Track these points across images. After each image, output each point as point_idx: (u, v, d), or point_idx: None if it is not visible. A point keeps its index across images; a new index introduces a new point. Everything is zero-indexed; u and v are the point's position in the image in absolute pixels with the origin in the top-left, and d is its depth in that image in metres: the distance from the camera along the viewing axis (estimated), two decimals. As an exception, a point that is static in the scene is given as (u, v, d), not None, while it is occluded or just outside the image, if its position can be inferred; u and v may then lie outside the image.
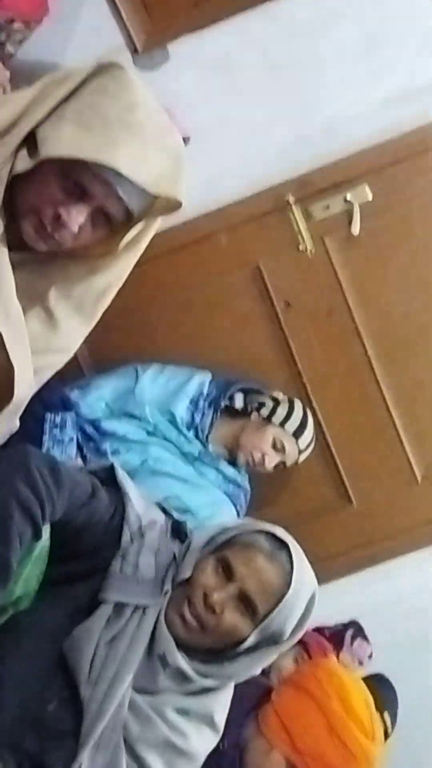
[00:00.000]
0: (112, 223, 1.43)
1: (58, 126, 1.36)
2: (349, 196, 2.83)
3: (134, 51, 2.63)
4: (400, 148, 2.81)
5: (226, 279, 2.91)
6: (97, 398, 2.64)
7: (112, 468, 1.63)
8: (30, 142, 1.38)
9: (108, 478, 1.61)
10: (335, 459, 2.97)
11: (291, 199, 2.83)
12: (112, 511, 1.54)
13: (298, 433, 2.69)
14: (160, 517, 1.63)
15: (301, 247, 2.87)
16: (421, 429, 2.95)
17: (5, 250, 1.40)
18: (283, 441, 2.67)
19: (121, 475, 1.60)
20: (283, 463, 2.70)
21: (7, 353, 1.43)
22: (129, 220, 1.44)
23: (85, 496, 1.48)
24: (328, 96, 2.77)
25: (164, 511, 1.68)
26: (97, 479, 1.57)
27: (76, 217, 1.38)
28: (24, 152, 1.38)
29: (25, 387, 1.50)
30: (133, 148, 1.36)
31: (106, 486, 1.58)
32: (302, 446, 2.69)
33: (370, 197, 2.83)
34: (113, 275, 1.58)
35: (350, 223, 2.84)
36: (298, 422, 2.69)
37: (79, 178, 1.37)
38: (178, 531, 1.64)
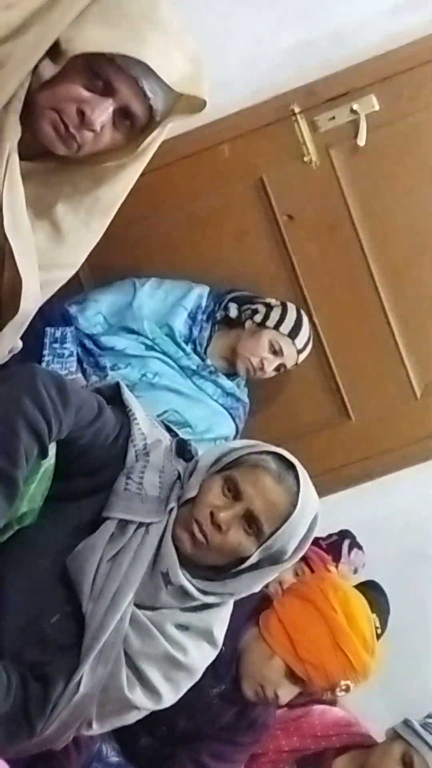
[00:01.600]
0: (133, 125, 1.40)
1: (82, 26, 1.32)
2: (355, 107, 2.76)
3: None
4: (408, 57, 2.74)
5: (228, 191, 2.87)
6: (95, 312, 2.63)
7: (117, 386, 1.62)
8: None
9: (113, 396, 1.61)
10: (334, 374, 2.97)
11: (296, 108, 2.77)
12: (117, 430, 1.54)
13: (293, 334, 2.69)
14: (165, 436, 1.64)
15: (305, 159, 2.82)
16: (421, 345, 2.95)
17: (17, 160, 1.37)
18: (280, 343, 2.67)
19: (127, 394, 1.60)
20: (283, 365, 2.70)
21: (15, 266, 1.41)
22: (149, 122, 1.41)
23: (91, 415, 1.48)
24: (337, 1, 2.68)
25: (169, 429, 1.69)
26: (102, 398, 1.56)
27: (100, 114, 1.35)
28: (45, 60, 1.33)
29: (31, 300, 1.49)
30: (159, 45, 1.34)
31: (112, 404, 1.58)
32: (299, 346, 2.70)
33: (376, 108, 2.77)
34: (119, 187, 1.56)
35: (356, 134, 2.78)
36: (292, 323, 2.69)
37: (105, 74, 1.34)
38: (183, 450, 1.65)
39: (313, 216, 2.87)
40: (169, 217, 2.87)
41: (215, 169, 2.84)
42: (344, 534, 2.83)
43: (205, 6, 2.56)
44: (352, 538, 2.83)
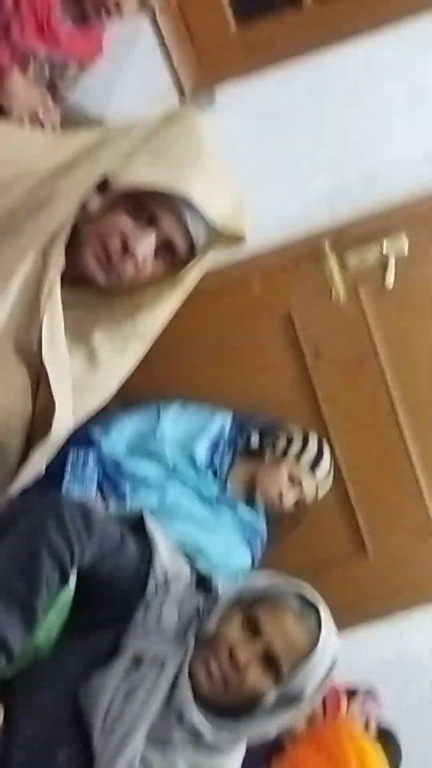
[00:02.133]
0: (174, 258, 1.44)
1: (131, 162, 1.40)
2: (385, 248, 2.83)
3: (181, 93, 2.64)
4: (438, 203, 2.82)
5: (256, 325, 2.91)
6: (118, 436, 2.64)
7: (141, 515, 1.62)
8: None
9: (137, 524, 1.60)
10: (353, 508, 2.95)
11: (327, 247, 2.83)
12: (138, 561, 1.53)
13: (314, 467, 2.67)
14: (186, 569, 1.62)
15: (333, 296, 2.87)
16: (443, 485, 2.93)
17: (59, 288, 1.41)
18: (300, 475, 2.66)
19: (151, 524, 1.59)
20: (303, 499, 2.68)
21: (50, 391, 1.43)
22: (189, 256, 1.45)
23: (114, 545, 1.47)
24: (371, 147, 2.78)
25: (190, 562, 1.67)
26: (126, 526, 1.56)
27: (144, 246, 1.40)
28: (92, 194, 1.41)
29: (63, 425, 1.50)
30: (203, 183, 1.41)
31: (135, 533, 1.57)
32: (319, 479, 2.68)
33: (406, 250, 2.83)
34: (157, 317, 1.60)
35: (385, 274, 2.84)
36: (313, 455, 2.68)
37: (149, 207, 1.40)
38: (204, 584, 1.63)
39: (339, 353, 2.90)
40: (198, 346, 2.91)
41: (245, 304, 2.89)
42: (363, 687, 2.75)
43: (243, 149, 2.67)
44: (369, 691, 2.75)
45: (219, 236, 1.49)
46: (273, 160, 2.76)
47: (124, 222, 1.40)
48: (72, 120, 2.31)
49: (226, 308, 2.88)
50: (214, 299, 2.84)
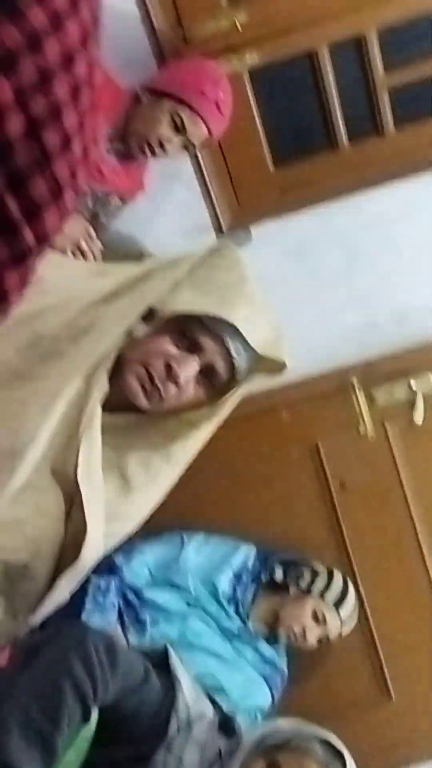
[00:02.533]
0: (215, 383, 1.46)
1: (175, 292, 1.45)
2: (413, 385, 2.84)
3: (219, 230, 2.72)
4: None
5: (283, 454, 2.91)
6: (141, 564, 2.61)
7: (165, 651, 1.58)
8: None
9: (161, 660, 1.56)
10: (377, 648, 2.88)
11: (355, 382, 2.85)
12: (161, 698, 1.48)
13: (338, 604, 2.62)
14: (209, 709, 1.58)
15: (361, 430, 2.88)
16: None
17: (99, 413, 1.41)
18: (324, 612, 2.61)
19: (175, 661, 1.56)
20: (326, 636, 2.62)
21: (82, 515, 1.42)
22: (230, 383, 1.47)
23: (138, 681, 1.43)
24: (402, 286, 2.83)
25: (213, 701, 1.62)
26: (149, 661, 1.52)
27: (187, 369, 1.42)
28: (137, 321, 1.44)
29: (93, 551, 1.47)
30: (245, 310, 1.44)
31: (158, 669, 1.53)
32: (344, 616, 2.62)
33: (434, 389, 2.85)
34: (191, 445, 1.59)
35: (413, 411, 2.85)
36: (338, 592, 2.63)
37: (193, 333, 1.42)
38: (226, 725, 1.57)
39: (365, 486, 2.89)
40: (223, 473, 2.90)
41: (273, 432, 2.90)
42: None
43: (277, 282, 2.73)
44: None
45: (260, 363, 1.51)
46: (306, 294, 2.81)
47: (169, 347, 1.43)
48: (111, 250, 2.37)
49: (253, 436, 2.89)
50: (242, 427, 2.84)
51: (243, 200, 2.70)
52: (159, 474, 1.57)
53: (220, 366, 1.45)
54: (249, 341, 1.44)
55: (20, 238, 0.71)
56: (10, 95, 0.65)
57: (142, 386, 1.43)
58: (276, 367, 1.54)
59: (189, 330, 1.43)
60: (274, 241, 2.73)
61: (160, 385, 1.42)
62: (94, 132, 0.78)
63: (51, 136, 0.70)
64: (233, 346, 1.43)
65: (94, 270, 1.61)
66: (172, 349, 1.43)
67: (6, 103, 0.66)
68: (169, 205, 2.66)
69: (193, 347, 1.43)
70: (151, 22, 2.38)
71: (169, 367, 1.42)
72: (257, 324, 1.46)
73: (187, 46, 2.42)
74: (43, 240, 0.75)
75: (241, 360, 1.45)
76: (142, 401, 1.44)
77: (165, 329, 1.44)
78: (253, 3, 2.40)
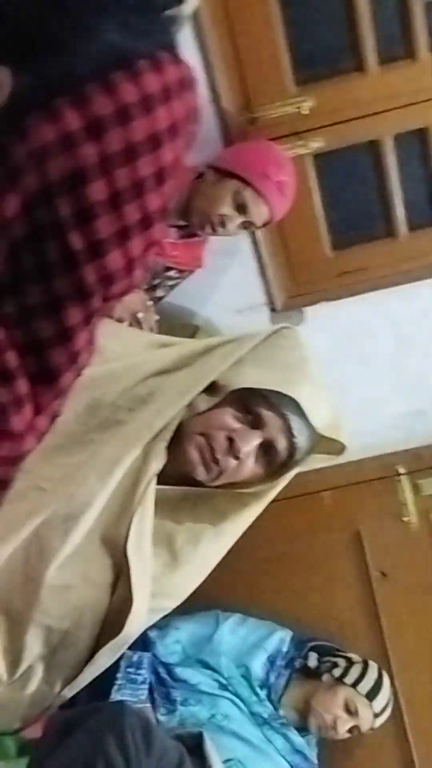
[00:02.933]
0: (273, 460, 1.45)
1: (238, 368, 1.46)
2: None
3: (272, 309, 2.74)
4: None
5: (324, 537, 2.88)
6: (175, 640, 2.57)
7: (200, 736, 1.53)
8: None
9: (194, 745, 1.52)
10: (410, 745, 2.79)
11: (401, 469, 2.82)
12: (194, 786, 1.43)
13: (371, 695, 2.55)
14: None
15: (405, 519, 2.84)
16: None
17: (155, 485, 1.41)
18: (356, 703, 2.54)
19: (209, 748, 1.51)
20: (357, 727, 2.54)
21: (129, 587, 1.40)
22: (287, 462, 1.46)
23: (172, 767, 1.38)
24: (451, 373, 2.83)
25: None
26: (183, 745, 1.47)
27: (248, 444, 1.41)
28: (200, 394, 1.44)
29: (136, 624, 1.45)
30: (308, 389, 1.44)
31: (192, 754, 1.48)
32: (377, 709, 2.55)
33: None
34: (240, 524, 1.58)
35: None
36: (371, 684, 2.56)
37: (256, 408, 1.42)
38: None
39: (406, 576, 2.84)
40: (262, 553, 2.86)
41: (314, 515, 2.87)
42: None
43: (326, 365, 2.73)
44: None
45: (318, 444, 1.50)
46: (355, 378, 2.81)
47: (231, 420, 1.43)
48: (166, 321, 2.39)
49: (295, 518, 2.86)
50: (284, 507, 2.79)
51: (298, 281, 2.72)
52: (207, 551, 1.55)
53: (281, 443, 1.44)
54: (311, 420, 1.43)
55: (92, 303, 0.74)
56: (95, 158, 0.67)
57: (202, 458, 1.42)
58: (335, 449, 1.53)
59: (252, 405, 1.42)
60: (326, 323, 2.74)
61: (219, 458, 1.41)
62: (167, 213, 0.80)
63: (132, 211, 0.72)
64: (295, 424, 1.42)
65: (156, 341, 1.62)
66: (234, 422, 1.42)
67: (91, 164, 0.67)
68: (224, 281, 2.69)
69: (255, 422, 1.43)
70: (219, 103, 2.44)
71: (230, 441, 1.41)
72: (319, 404, 1.46)
73: (253, 128, 2.47)
74: (110, 305, 0.78)
75: (302, 439, 1.44)
76: (201, 473, 1.43)
77: (227, 403, 1.44)
78: (321, 90, 2.45)
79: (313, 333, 2.73)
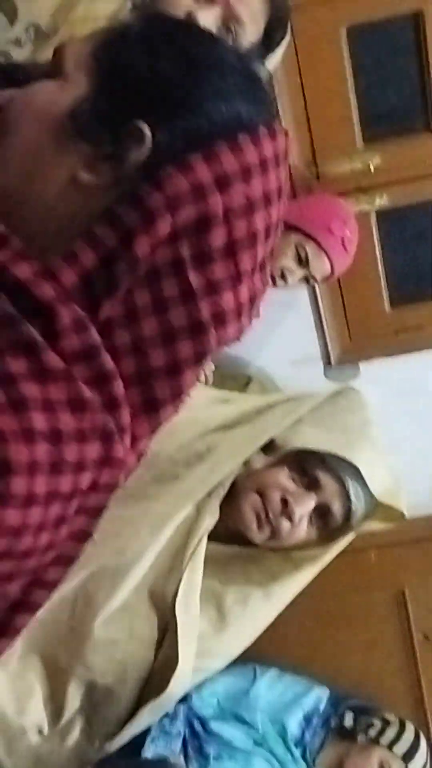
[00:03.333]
0: (328, 525, 1.43)
1: (297, 427, 1.43)
2: None
3: (327, 362, 2.73)
4: None
5: (367, 596, 2.83)
6: (211, 693, 2.52)
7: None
8: None
9: None
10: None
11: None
12: None
13: (407, 757, 2.47)
14: None
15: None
16: None
17: (206, 541, 1.39)
18: (391, 764, 2.46)
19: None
20: None
21: (175, 645, 1.38)
22: (342, 526, 1.44)
23: None
24: None
25: None
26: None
27: (303, 506, 1.40)
28: (257, 452, 1.43)
29: (180, 683, 1.44)
30: (368, 454, 1.42)
31: None
32: None
33: None
34: (292, 587, 1.57)
35: None
36: (408, 745, 2.49)
37: (313, 470, 1.40)
38: None
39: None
40: (303, 608, 2.79)
41: (359, 572, 2.82)
42: None
43: (380, 419, 2.69)
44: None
45: (375, 509, 1.47)
46: (406, 435, 2.78)
47: (287, 481, 1.41)
48: (220, 370, 2.39)
49: (339, 575, 2.77)
50: (328, 563, 2.78)
51: (355, 336, 2.71)
52: (256, 613, 1.53)
53: (337, 508, 1.42)
54: (369, 486, 1.41)
55: (204, 340, 0.79)
56: (220, 208, 0.75)
57: (257, 517, 1.40)
58: (392, 516, 1.50)
59: (309, 466, 1.41)
60: (380, 379, 2.72)
61: (273, 520, 1.39)
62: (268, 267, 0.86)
63: (245, 259, 0.79)
64: (353, 489, 1.40)
65: (216, 396, 1.61)
66: (289, 484, 1.41)
67: (216, 214, 0.75)
68: (280, 332, 2.68)
69: (311, 485, 1.41)
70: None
71: (285, 502, 1.39)
72: (378, 469, 1.43)
73: (319, 183, 2.48)
74: (218, 350, 0.83)
75: (358, 504, 1.42)
76: (255, 533, 1.41)
77: (284, 462, 1.42)
78: (389, 148, 2.46)
79: (367, 388, 2.69)
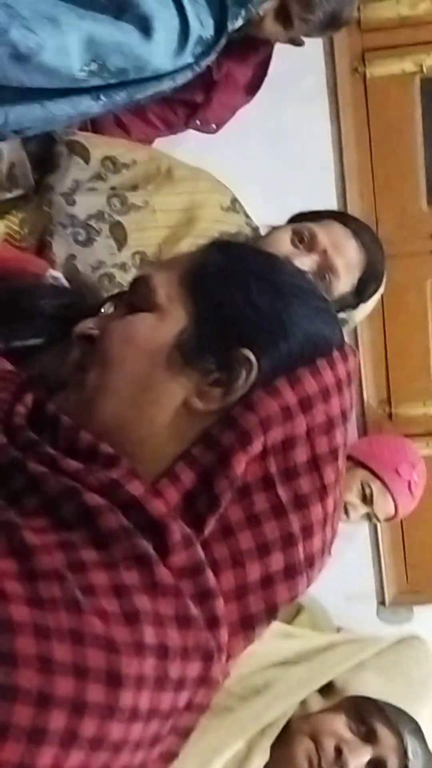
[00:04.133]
0: None
1: (359, 672, 1.39)
2: None
3: (381, 602, 2.68)
4: None
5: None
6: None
7: None
8: None
9: None
10: None
11: None
12: None
13: None
14: None
15: None
16: None
17: None
18: None
19: None
20: None
21: None
22: None
23: None
24: None
25: None
26: None
27: (358, 758, 1.34)
28: (314, 693, 1.39)
29: None
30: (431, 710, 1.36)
31: None
32: None
33: None
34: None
35: None
36: None
37: (372, 721, 1.35)
38: None
39: None
40: None
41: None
42: None
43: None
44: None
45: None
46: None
47: (343, 729, 1.36)
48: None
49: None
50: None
51: (412, 579, 2.67)
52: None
53: (392, 763, 1.36)
54: (430, 744, 1.36)
55: (293, 552, 0.79)
56: (304, 428, 0.79)
57: (310, 764, 1.35)
58: None
59: (368, 716, 1.36)
60: (434, 626, 2.65)
61: (326, 762, 1.34)
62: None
63: (330, 492, 0.81)
64: (411, 746, 1.34)
65: (278, 630, 1.59)
66: (346, 732, 1.36)
67: (300, 433, 0.79)
68: (337, 564, 2.63)
69: (368, 736, 1.35)
70: (361, 394, 2.52)
71: (339, 751, 1.34)
72: None
73: (390, 423, 2.54)
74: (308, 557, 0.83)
75: (416, 763, 1.36)
76: None
77: (342, 708, 1.37)
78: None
79: (420, 632, 2.65)
